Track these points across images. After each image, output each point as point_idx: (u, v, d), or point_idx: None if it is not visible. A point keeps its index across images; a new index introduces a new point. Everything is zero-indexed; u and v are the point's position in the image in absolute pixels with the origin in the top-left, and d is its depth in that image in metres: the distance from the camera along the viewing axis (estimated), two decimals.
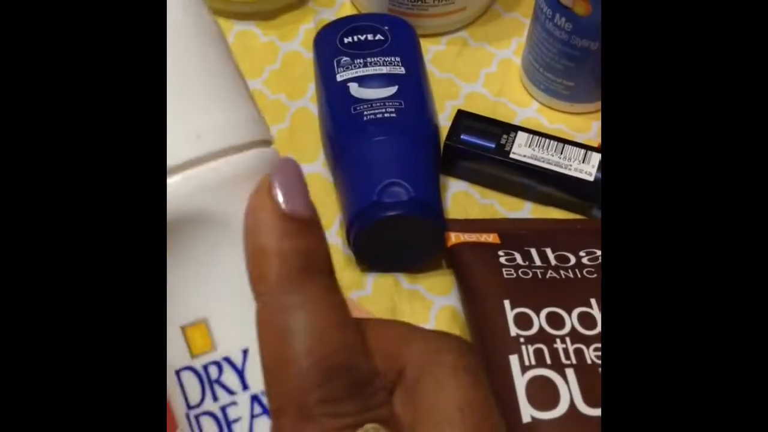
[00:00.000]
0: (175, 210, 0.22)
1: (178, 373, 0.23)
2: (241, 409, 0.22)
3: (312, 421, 0.20)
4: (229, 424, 0.22)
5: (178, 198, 0.22)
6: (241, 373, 0.23)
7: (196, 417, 0.23)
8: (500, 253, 0.46)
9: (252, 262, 0.22)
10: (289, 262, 0.21)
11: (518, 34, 0.59)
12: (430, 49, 0.58)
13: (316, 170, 0.53)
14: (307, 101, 0.55)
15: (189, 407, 0.23)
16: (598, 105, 0.55)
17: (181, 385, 0.23)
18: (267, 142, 0.24)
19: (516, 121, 0.55)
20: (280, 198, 0.22)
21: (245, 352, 0.22)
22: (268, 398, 0.22)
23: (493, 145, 0.50)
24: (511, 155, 0.50)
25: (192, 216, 0.22)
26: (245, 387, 0.22)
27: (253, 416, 0.22)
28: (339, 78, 0.50)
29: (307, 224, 0.22)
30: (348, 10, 0.60)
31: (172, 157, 0.22)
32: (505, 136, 0.50)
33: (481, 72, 0.57)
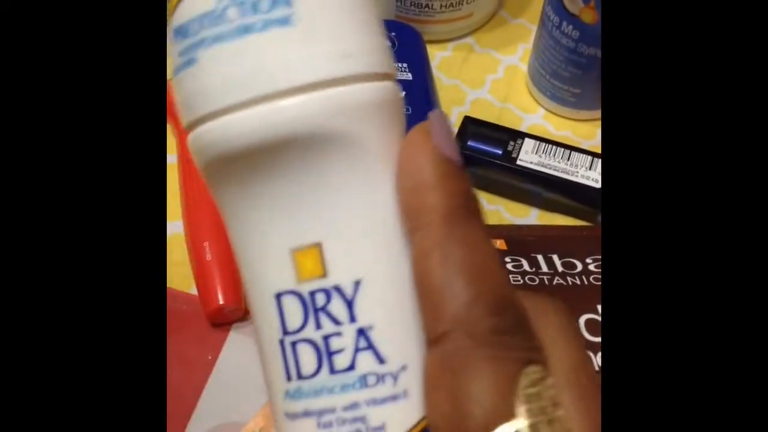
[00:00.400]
0: (309, 126, 0.21)
1: (278, 296, 0.22)
2: (345, 341, 0.22)
3: (486, 346, 0.20)
4: (330, 354, 0.22)
5: (313, 115, 0.21)
6: (350, 305, 0.22)
7: (293, 343, 0.22)
8: (507, 259, 0.46)
9: (411, 196, 0.22)
10: (452, 200, 0.22)
11: (524, 40, 0.59)
12: (437, 55, 0.58)
13: None
14: None
15: (285, 332, 0.22)
16: None
17: (280, 309, 0.22)
18: (396, 78, 0.24)
19: (522, 128, 0.55)
20: (440, 141, 0.22)
21: (357, 284, 0.22)
22: (431, 324, 0.21)
23: (500, 152, 0.50)
24: (518, 162, 0.50)
25: (325, 135, 0.21)
26: (353, 319, 0.22)
27: (357, 349, 0.22)
28: None
29: (462, 171, 0.22)
30: None
31: (314, 73, 0.21)
32: (512, 143, 0.51)
33: (488, 78, 0.58)
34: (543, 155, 0.50)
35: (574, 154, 0.50)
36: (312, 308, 0.22)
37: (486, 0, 0.58)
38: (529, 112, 0.56)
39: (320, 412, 0.22)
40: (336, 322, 0.22)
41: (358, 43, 0.22)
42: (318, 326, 0.22)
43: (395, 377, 0.22)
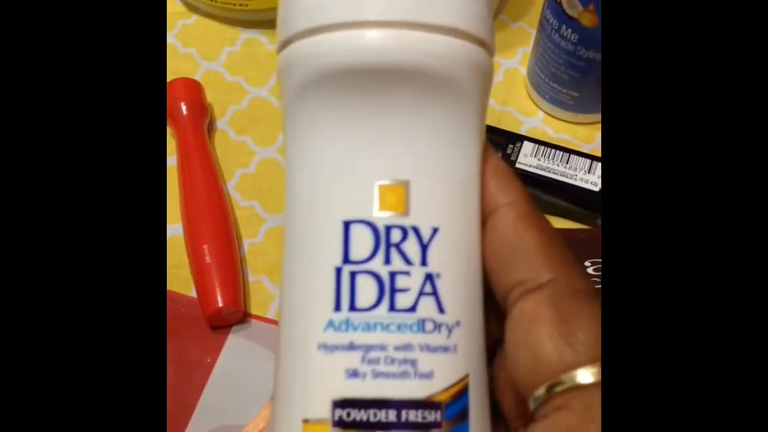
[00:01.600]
0: (408, 60, 0.22)
1: (347, 224, 0.22)
2: (413, 281, 0.22)
3: (588, 295, 0.22)
4: (393, 291, 0.22)
5: (413, 50, 0.22)
6: (425, 248, 0.22)
7: (353, 273, 0.22)
8: None
9: (497, 176, 0.24)
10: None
11: (524, 43, 0.59)
12: None
13: None
14: None
15: (346, 261, 0.22)
16: None
17: (346, 237, 0.22)
18: (492, 53, 0.24)
19: (521, 131, 0.55)
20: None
21: (435, 231, 0.22)
22: (534, 273, 0.22)
23: (499, 155, 0.50)
24: (517, 165, 0.50)
25: (424, 74, 0.22)
26: (424, 263, 0.22)
27: (421, 293, 0.22)
28: None
29: None
30: None
31: (421, 14, 0.22)
32: (511, 146, 0.51)
33: None
34: (542, 158, 0.50)
35: (573, 157, 0.50)
36: (385, 242, 0.22)
37: None
38: (528, 115, 0.56)
39: (368, 347, 0.22)
40: (407, 261, 0.22)
41: (470, 7, 0.23)
42: (387, 261, 0.22)
43: (450, 330, 0.22)
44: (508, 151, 0.50)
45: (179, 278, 0.48)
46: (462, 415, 0.22)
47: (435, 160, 0.23)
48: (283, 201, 0.53)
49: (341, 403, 0.21)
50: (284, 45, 0.23)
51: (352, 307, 0.22)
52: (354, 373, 0.22)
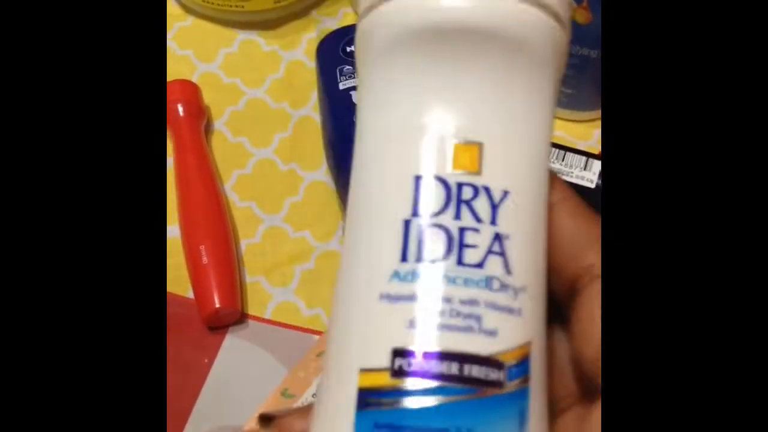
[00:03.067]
0: (488, 23, 0.22)
1: (418, 179, 0.23)
2: (481, 239, 0.22)
3: None
4: (462, 246, 0.22)
5: (494, 14, 0.22)
6: (495, 208, 0.22)
7: (421, 226, 0.22)
8: None
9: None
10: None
11: None
12: None
13: (319, 178, 0.53)
14: (310, 110, 0.56)
15: (416, 214, 0.22)
16: (598, 113, 0.55)
17: (417, 191, 0.22)
18: (569, 30, 0.24)
19: None
20: None
21: (506, 193, 0.22)
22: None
23: None
24: None
25: (514, 39, 0.23)
26: (494, 222, 0.22)
27: (490, 251, 0.22)
28: (342, 87, 0.50)
29: None
30: (351, 20, 0.60)
31: None
32: None
33: None
34: None
35: (569, 155, 0.50)
36: (456, 198, 0.22)
37: None
38: None
39: (433, 299, 0.22)
40: (477, 218, 0.22)
41: None
42: (457, 216, 0.22)
43: (516, 293, 0.22)
44: None
45: (176, 279, 0.49)
46: (524, 380, 0.22)
47: (509, 124, 0.23)
48: (281, 200, 0.53)
49: (402, 353, 0.21)
50: (369, 10, 0.24)
51: (419, 259, 0.22)
52: (416, 324, 0.21)
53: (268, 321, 0.48)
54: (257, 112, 0.56)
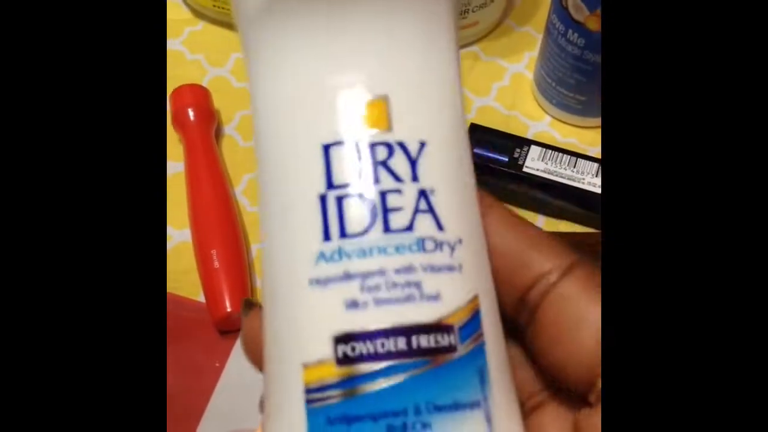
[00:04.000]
0: None
1: (327, 147, 0.21)
2: (405, 200, 0.21)
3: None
4: (386, 211, 0.20)
5: None
6: (414, 163, 0.21)
7: (339, 198, 0.20)
8: None
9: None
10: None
11: (530, 48, 0.60)
12: None
13: None
14: None
15: (330, 186, 0.21)
16: None
17: (327, 161, 0.21)
18: None
19: (528, 135, 0.55)
20: None
21: (422, 145, 0.21)
22: (558, 257, 0.23)
23: (506, 159, 0.50)
24: (525, 169, 0.50)
25: None
26: (415, 178, 0.21)
27: (417, 210, 0.21)
28: None
29: None
30: None
31: None
32: (518, 150, 0.51)
33: (494, 86, 0.58)
34: (549, 162, 0.50)
35: (581, 161, 0.50)
36: (371, 161, 0.21)
37: (492, 9, 0.58)
38: (535, 119, 0.56)
39: (366, 275, 0.20)
40: (397, 178, 0.21)
41: None
42: (376, 180, 0.20)
43: (452, 248, 0.21)
44: (516, 155, 0.50)
45: (188, 283, 0.49)
46: (477, 337, 0.21)
47: (412, 71, 0.21)
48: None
49: (343, 338, 0.20)
50: None
51: (343, 234, 0.20)
52: (353, 304, 0.20)
53: None
54: None
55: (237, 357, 0.47)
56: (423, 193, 0.21)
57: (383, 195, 0.20)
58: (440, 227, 0.21)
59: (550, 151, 0.50)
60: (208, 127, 0.53)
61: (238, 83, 0.57)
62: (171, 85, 0.53)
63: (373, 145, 0.21)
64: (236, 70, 0.58)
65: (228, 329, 0.47)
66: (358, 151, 0.21)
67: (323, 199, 0.20)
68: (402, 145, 0.21)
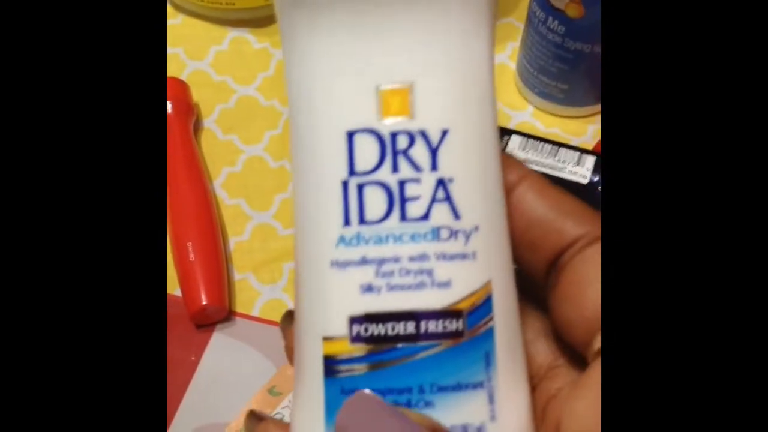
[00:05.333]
0: None
1: (351, 134, 0.21)
2: (422, 189, 0.21)
3: None
4: (403, 200, 0.21)
5: None
6: (434, 152, 0.21)
7: (360, 185, 0.21)
8: None
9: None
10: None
11: (513, 38, 0.59)
12: None
13: None
14: None
15: (352, 173, 0.21)
16: (593, 108, 0.54)
17: (351, 148, 0.21)
18: None
19: (511, 126, 0.54)
20: None
21: (445, 133, 0.21)
22: (589, 227, 0.23)
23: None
24: None
25: None
26: (434, 168, 0.21)
27: (434, 200, 0.21)
28: None
29: None
30: None
31: None
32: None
33: None
34: (530, 152, 0.50)
35: (562, 150, 0.49)
36: (391, 150, 0.21)
37: None
38: (517, 109, 0.56)
39: (381, 261, 0.21)
40: (416, 167, 0.21)
41: None
42: (395, 169, 0.21)
43: (467, 236, 0.22)
44: None
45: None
46: (487, 321, 0.22)
47: (439, 57, 0.22)
48: (271, 197, 0.53)
49: (358, 319, 0.21)
50: None
51: (362, 221, 0.21)
52: (369, 288, 0.21)
53: (256, 318, 0.47)
54: (247, 109, 0.55)
55: (213, 351, 0.46)
56: (441, 182, 0.21)
57: (402, 184, 0.21)
58: (457, 216, 0.22)
59: (532, 140, 0.50)
60: (186, 120, 0.53)
61: (218, 76, 0.57)
62: None
63: (394, 134, 0.21)
64: (216, 63, 0.57)
65: (204, 323, 0.47)
66: (380, 140, 0.21)
67: (345, 185, 0.21)
68: (423, 134, 0.21)
